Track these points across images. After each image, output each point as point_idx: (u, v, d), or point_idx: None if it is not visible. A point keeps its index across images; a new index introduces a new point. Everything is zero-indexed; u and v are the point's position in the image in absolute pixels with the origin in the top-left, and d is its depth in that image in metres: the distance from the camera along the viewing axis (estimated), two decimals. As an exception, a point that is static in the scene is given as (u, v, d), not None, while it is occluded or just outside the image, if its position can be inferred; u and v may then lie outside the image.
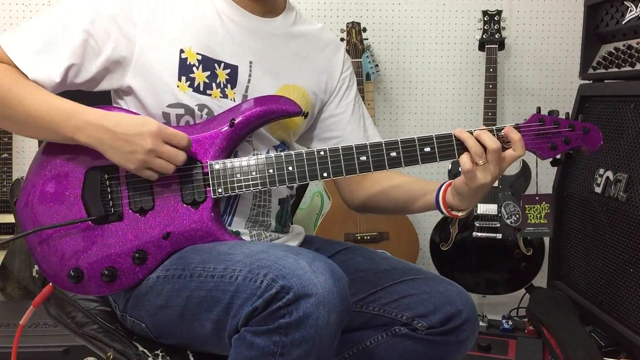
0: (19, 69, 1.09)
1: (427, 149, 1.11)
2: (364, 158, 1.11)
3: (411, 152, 1.12)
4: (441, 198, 1.18)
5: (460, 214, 1.18)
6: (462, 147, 1.11)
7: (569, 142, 1.14)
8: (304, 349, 0.92)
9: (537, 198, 1.74)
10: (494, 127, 1.12)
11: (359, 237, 2.39)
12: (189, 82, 1.15)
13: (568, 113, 1.19)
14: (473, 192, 1.11)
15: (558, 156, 1.15)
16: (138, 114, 1.12)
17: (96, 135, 1.05)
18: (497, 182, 2.36)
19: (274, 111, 1.14)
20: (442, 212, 1.20)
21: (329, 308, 0.92)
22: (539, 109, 1.17)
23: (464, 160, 1.09)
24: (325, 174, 1.12)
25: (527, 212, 1.74)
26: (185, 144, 1.08)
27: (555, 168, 2.25)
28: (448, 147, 1.12)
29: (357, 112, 1.37)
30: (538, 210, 1.75)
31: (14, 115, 1.08)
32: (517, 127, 1.13)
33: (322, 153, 1.12)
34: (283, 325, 0.92)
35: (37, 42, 1.09)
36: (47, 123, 1.07)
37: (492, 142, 1.08)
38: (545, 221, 1.76)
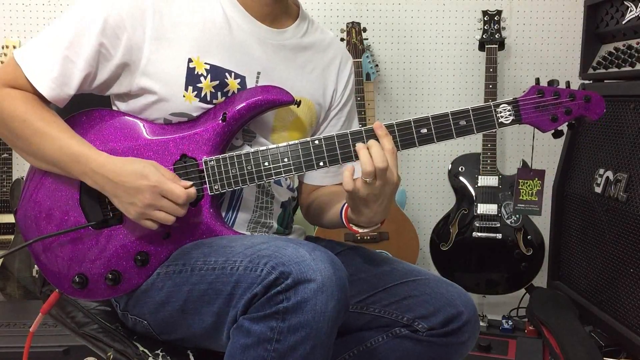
0: (36, 89, 1.10)
1: (424, 130, 1.10)
2: (360, 145, 1.09)
3: (408, 136, 1.11)
4: (344, 210, 1.16)
5: (360, 229, 1.14)
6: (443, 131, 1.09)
7: (571, 113, 1.11)
8: (301, 335, 0.91)
9: (531, 173, 1.72)
10: (362, 129, 1.09)
11: (358, 237, 2.38)
12: (195, 92, 1.14)
13: (569, 82, 1.14)
14: (361, 203, 1.07)
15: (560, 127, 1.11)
16: (141, 159, 1.09)
17: (100, 182, 1.07)
18: (497, 182, 2.37)
19: (266, 101, 1.14)
20: (343, 225, 1.17)
21: (327, 295, 0.92)
22: (537, 80, 1.14)
23: (346, 179, 1.05)
24: (321, 163, 1.11)
25: (520, 187, 1.73)
26: (183, 201, 1.06)
27: (556, 168, 2.25)
28: (445, 127, 1.10)
29: (344, 126, 1.37)
30: (530, 187, 1.74)
31: (25, 147, 1.11)
32: (515, 101, 1.11)
33: (316, 142, 1.11)
34: (280, 310, 0.91)
35: (52, 61, 1.09)
36: (55, 161, 1.09)
37: (379, 160, 1.03)
38: (536, 198, 1.74)
